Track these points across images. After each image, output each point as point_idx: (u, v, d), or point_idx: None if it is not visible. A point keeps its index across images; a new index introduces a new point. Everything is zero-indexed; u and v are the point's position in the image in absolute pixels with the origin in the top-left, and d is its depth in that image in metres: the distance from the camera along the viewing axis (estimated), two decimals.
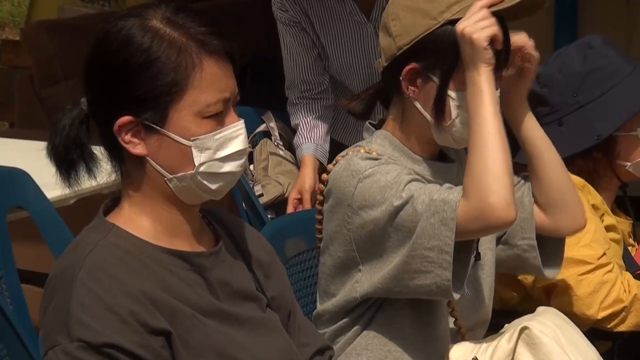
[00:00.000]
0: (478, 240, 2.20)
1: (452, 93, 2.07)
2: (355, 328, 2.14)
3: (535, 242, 2.22)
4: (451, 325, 2.20)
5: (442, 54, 2.06)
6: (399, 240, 2.00)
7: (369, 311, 2.14)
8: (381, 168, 2.05)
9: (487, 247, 2.25)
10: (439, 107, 2.08)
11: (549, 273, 2.26)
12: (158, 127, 1.68)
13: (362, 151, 2.10)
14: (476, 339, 2.25)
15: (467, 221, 1.95)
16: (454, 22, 2.04)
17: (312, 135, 3.17)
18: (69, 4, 5.71)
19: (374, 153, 2.10)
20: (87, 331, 1.57)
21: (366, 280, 2.08)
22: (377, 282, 2.06)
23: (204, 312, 1.69)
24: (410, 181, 2.02)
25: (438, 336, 2.15)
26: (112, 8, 5.61)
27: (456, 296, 2.01)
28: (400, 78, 2.08)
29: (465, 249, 2.02)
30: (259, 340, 1.76)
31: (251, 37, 4.53)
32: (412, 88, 2.09)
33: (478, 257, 2.24)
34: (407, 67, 2.08)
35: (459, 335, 2.21)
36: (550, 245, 2.25)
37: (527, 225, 2.22)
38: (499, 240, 2.28)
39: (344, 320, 2.15)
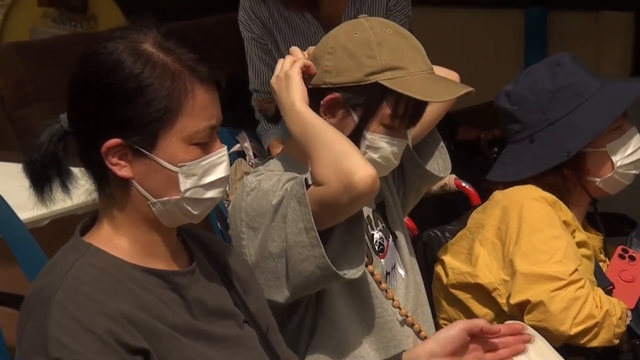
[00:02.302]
0: (386, 221, 2.27)
1: (366, 134, 2.11)
2: (303, 339, 2.15)
3: (426, 169, 2.34)
4: (398, 316, 2.22)
5: (364, 102, 2.10)
6: (282, 240, 2.02)
7: (308, 319, 2.14)
8: (266, 176, 2.09)
9: (398, 224, 2.30)
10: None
11: (442, 170, 2.38)
12: (147, 152, 1.68)
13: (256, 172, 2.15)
14: (424, 322, 2.27)
15: (335, 198, 1.98)
16: (381, 85, 2.09)
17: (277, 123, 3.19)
18: (41, 25, 5.69)
19: (265, 170, 2.13)
20: (65, 351, 1.57)
21: (278, 288, 2.07)
22: (287, 289, 2.05)
23: (181, 331, 1.69)
24: (289, 180, 2.05)
25: (385, 327, 2.17)
26: (85, 29, 5.60)
27: (353, 273, 2.02)
28: (321, 102, 2.11)
29: (355, 224, 2.04)
30: (235, 359, 1.76)
31: (224, 58, 4.53)
32: (329, 116, 2.12)
33: (395, 237, 2.28)
34: (330, 96, 2.11)
35: (406, 323, 2.23)
36: (431, 144, 2.38)
37: (414, 161, 2.31)
38: (404, 194, 2.37)
39: (290, 334, 2.14)
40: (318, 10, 3.08)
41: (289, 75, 2.10)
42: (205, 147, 1.71)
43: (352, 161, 1.98)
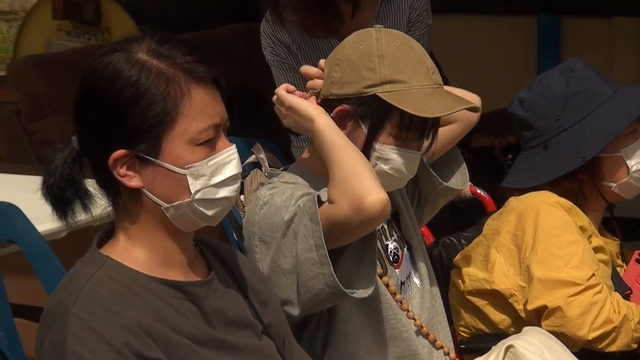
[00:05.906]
0: (400, 228, 2.27)
1: (376, 145, 2.12)
2: (316, 354, 2.14)
3: (443, 183, 2.32)
4: (413, 327, 2.22)
5: (371, 113, 2.11)
6: (293, 256, 2.03)
7: (320, 333, 2.14)
8: (279, 190, 2.09)
9: (412, 233, 2.30)
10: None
11: (460, 185, 2.37)
12: (152, 158, 1.70)
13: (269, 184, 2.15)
14: (439, 331, 2.27)
15: (346, 220, 1.98)
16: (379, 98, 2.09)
17: None
18: (55, 38, 5.73)
19: (279, 183, 2.13)
20: None
21: (290, 304, 2.06)
22: (297, 305, 2.05)
23: (198, 342, 1.70)
24: (302, 196, 2.05)
25: (399, 337, 2.17)
26: (99, 41, 5.63)
27: (362, 293, 2.01)
28: (331, 115, 2.12)
29: (369, 244, 2.04)
30: None
31: (233, 69, 4.54)
32: (340, 128, 2.12)
33: (409, 247, 2.28)
34: (339, 108, 2.12)
35: (421, 334, 2.23)
36: (450, 161, 2.37)
37: (429, 175, 2.30)
38: (418, 205, 2.37)
39: (302, 347, 2.14)
40: (339, 35, 3.09)
41: (293, 101, 2.13)
42: (212, 146, 1.72)
43: (363, 184, 1.98)
